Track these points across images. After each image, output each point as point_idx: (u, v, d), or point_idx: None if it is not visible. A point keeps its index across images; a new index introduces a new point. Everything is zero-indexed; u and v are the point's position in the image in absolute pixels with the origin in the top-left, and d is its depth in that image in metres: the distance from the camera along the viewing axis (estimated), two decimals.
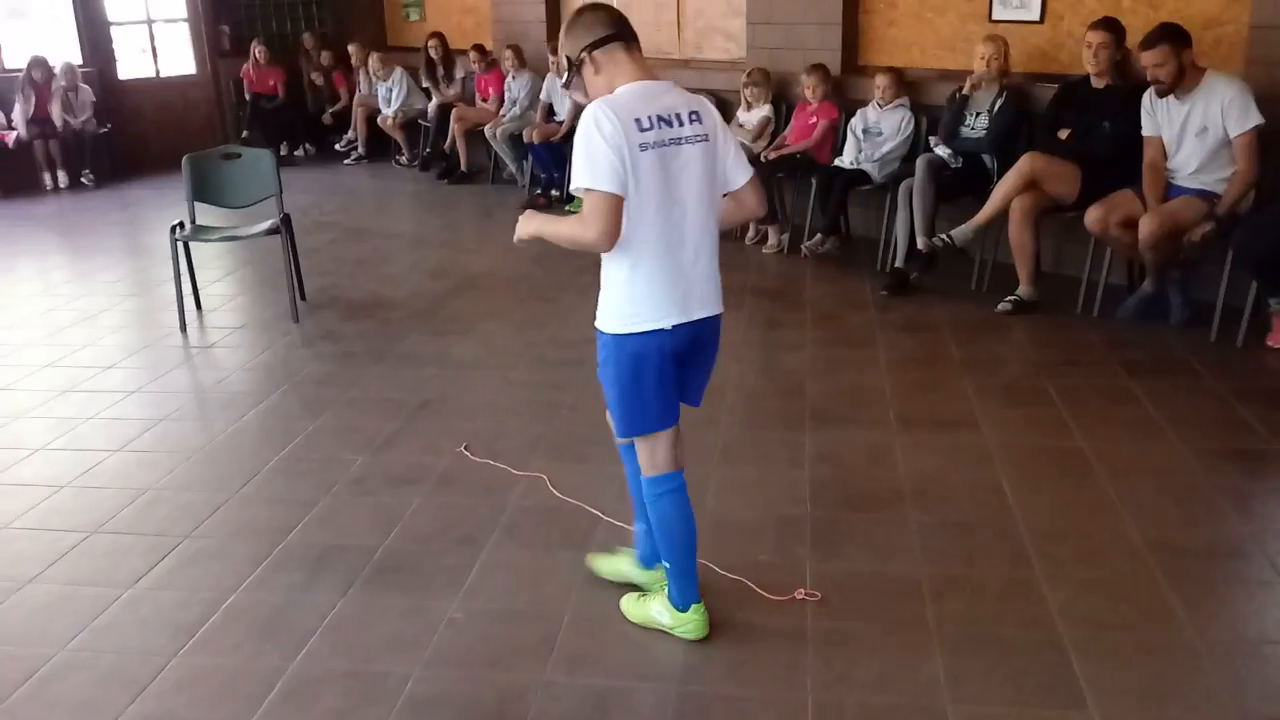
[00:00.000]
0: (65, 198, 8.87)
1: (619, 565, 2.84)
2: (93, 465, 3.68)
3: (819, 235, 5.95)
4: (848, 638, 2.56)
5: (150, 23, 10.13)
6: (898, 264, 5.46)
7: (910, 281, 5.37)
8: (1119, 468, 3.41)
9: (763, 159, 6.23)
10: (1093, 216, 4.62)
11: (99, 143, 9.27)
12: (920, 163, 5.37)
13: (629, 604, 2.69)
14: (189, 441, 3.90)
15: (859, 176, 5.89)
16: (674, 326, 2.40)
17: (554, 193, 7.88)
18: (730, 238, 6.55)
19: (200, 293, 5.56)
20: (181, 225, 5.26)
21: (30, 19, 9.71)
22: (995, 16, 5.74)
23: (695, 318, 2.43)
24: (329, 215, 7.65)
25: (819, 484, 3.36)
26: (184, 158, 5.42)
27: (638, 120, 2.27)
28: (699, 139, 2.35)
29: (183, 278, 5.26)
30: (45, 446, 3.86)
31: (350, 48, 10.11)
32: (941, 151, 5.46)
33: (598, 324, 2.49)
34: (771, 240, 6.28)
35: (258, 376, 4.60)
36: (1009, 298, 4.97)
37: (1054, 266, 5.41)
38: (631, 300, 2.40)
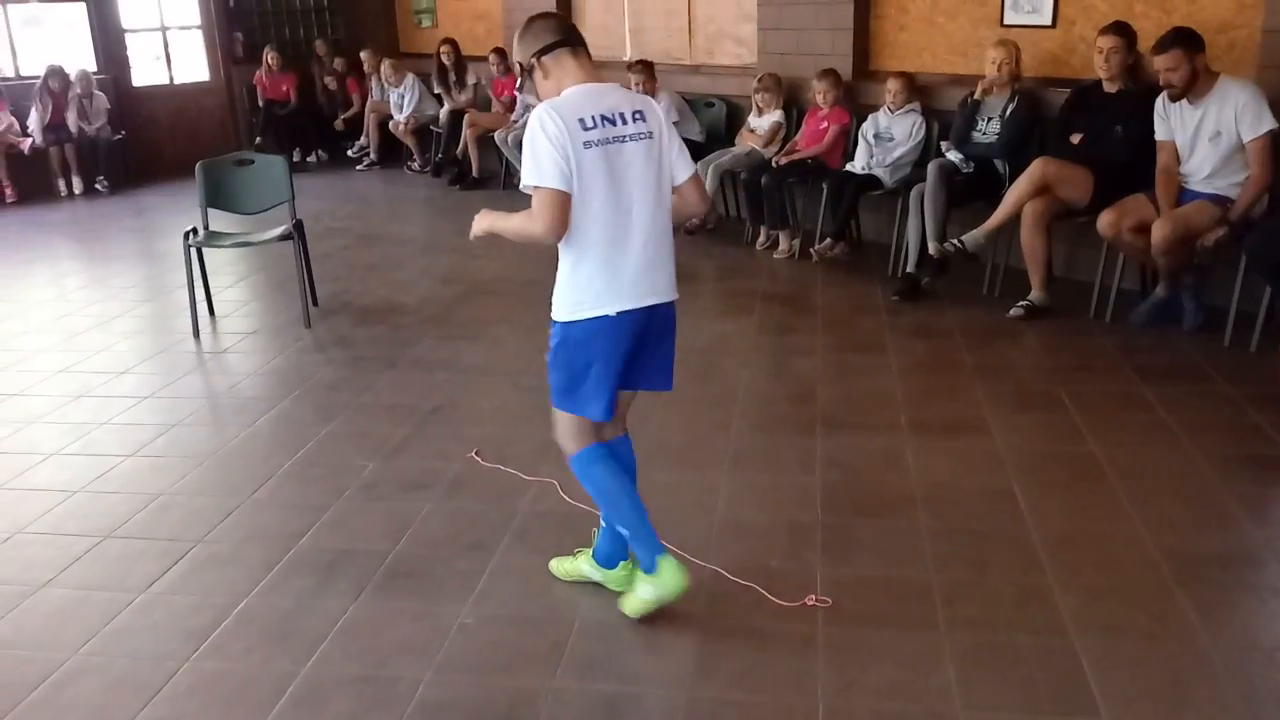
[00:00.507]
0: (80, 204, 8.94)
1: (578, 566, 2.87)
2: (106, 470, 3.70)
3: (828, 239, 5.94)
4: (859, 644, 2.55)
5: (164, 30, 10.22)
6: (909, 269, 5.44)
7: (922, 287, 5.36)
8: (1132, 474, 3.39)
9: (774, 164, 6.23)
10: (1105, 221, 4.61)
11: (113, 149, 9.34)
12: (931, 168, 5.36)
13: (630, 602, 2.69)
14: (201, 446, 3.91)
15: (870, 181, 5.88)
16: (619, 313, 2.49)
17: None
18: (740, 243, 6.56)
19: (213, 298, 5.59)
20: (195, 231, 5.30)
21: (46, 27, 9.79)
22: (1007, 21, 5.72)
23: (644, 304, 2.53)
24: (341, 221, 7.69)
25: (830, 489, 3.35)
26: (197, 164, 5.46)
27: (581, 120, 2.38)
28: (643, 136, 2.46)
29: (196, 283, 5.29)
30: (59, 451, 3.88)
31: (363, 54, 10.16)
32: (953, 156, 5.45)
33: (551, 313, 2.57)
34: (782, 246, 6.27)
35: (270, 382, 4.62)
36: (1021, 303, 4.95)
37: (1066, 271, 5.39)
38: (578, 289, 2.50)
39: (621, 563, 2.76)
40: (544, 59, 2.49)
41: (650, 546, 2.59)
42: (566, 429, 2.64)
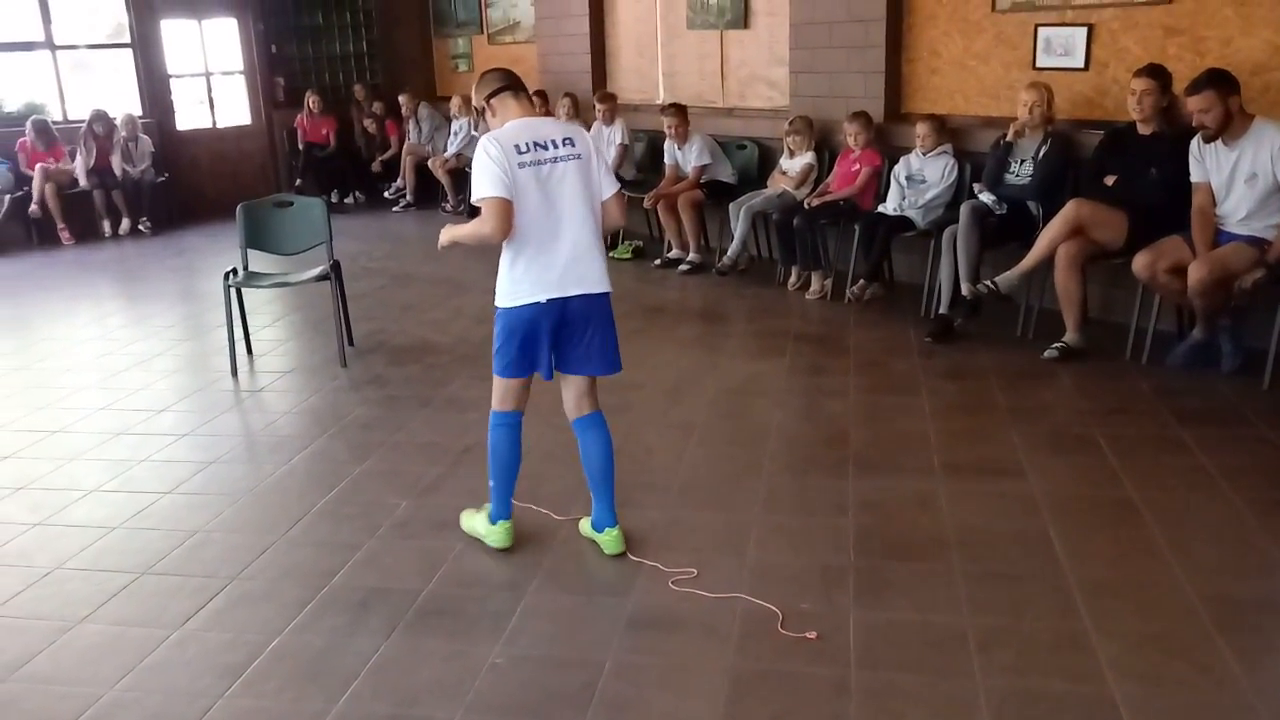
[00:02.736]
0: (124, 244, 9.14)
1: (585, 529, 3.36)
2: (144, 507, 3.75)
3: (862, 281, 5.95)
4: (892, 689, 2.52)
5: (208, 75, 10.49)
6: (942, 310, 5.43)
7: (955, 328, 5.34)
8: (1170, 518, 3.34)
9: (806, 205, 6.26)
10: (1141, 263, 4.58)
11: (157, 191, 9.57)
12: (964, 209, 5.36)
13: (464, 517, 3.41)
14: (238, 484, 3.96)
15: (902, 223, 5.89)
16: (549, 300, 3.04)
17: None
18: (772, 284, 6.57)
19: (251, 337, 5.68)
20: (235, 271, 5.40)
21: (93, 71, 10.09)
22: (1039, 64, 5.74)
23: (570, 294, 3.05)
24: (377, 261, 7.80)
25: (862, 532, 3.33)
26: (238, 206, 5.57)
27: (516, 146, 2.96)
28: (572, 158, 3.03)
29: (235, 323, 5.39)
30: (98, 488, 3.95)
31: (401, 98, 10.36)
32: (985, 198, 5.45)
33: (495, 301, 3.13)
34: (814, 286, 6.28)
35: (306, 420, 4.68)
36: (1056, 344, 4.92)
37: (1102, 313, 5.35)
38: (514, 281, 3.06)
39: (505, 523, 3.29)
40: (492, 100, 3.11)
41: (502, 508, 3.27)
42: (497, 392, 3.21)
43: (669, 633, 2.81)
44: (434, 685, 2.62)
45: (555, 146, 3.01)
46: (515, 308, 3.06)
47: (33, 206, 8.88)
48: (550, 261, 3.01)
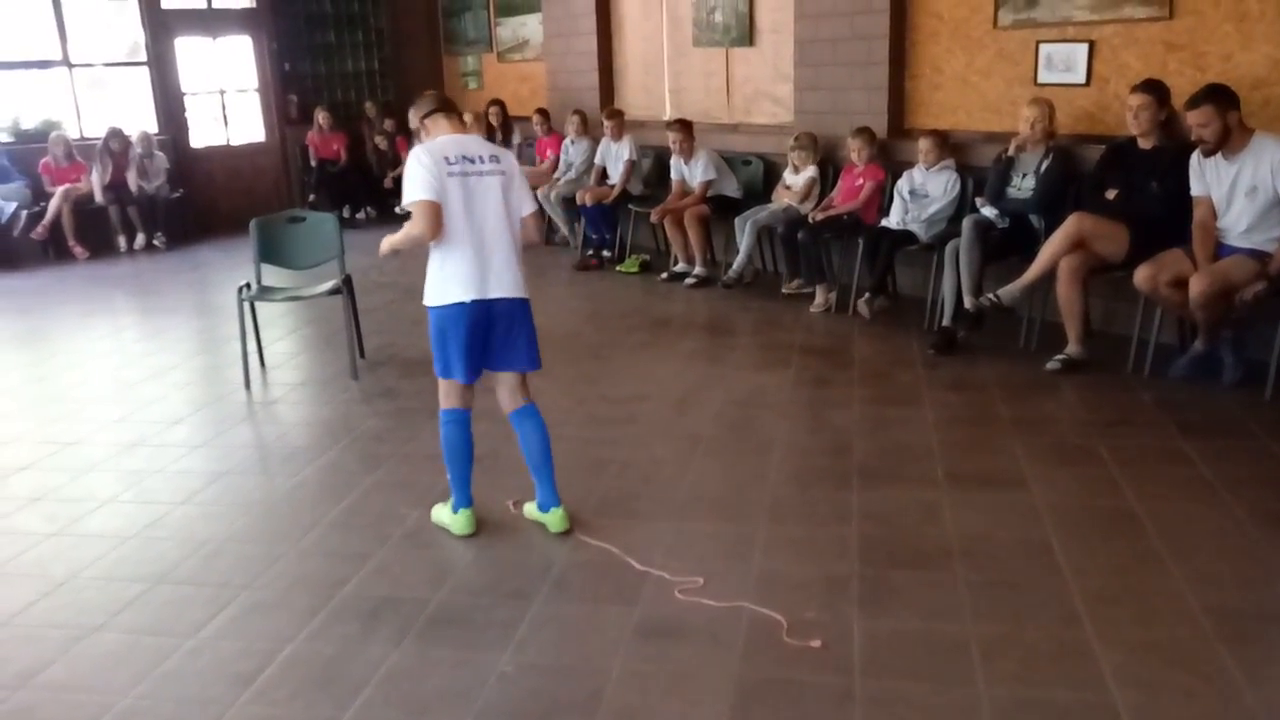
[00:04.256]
0: (139, 259, 9.24)
1: (529, 509, 3.63)
2: (159, 517, 3.80)
3: (868, 294, 5.99)
4: (896, 698, 2.55)
5: (222, 93, 10.61)
6: (945, 323, 5.46)
7: (958, 340, 5.37)
8: (1172, 529, 3.36)
9: (810, 220, 6.31)
10: (1142, 275, 4.61)
11: (172, 207, 9.67)
12: (967, 223, 5.41)
13: (435, 511, 3.65)
14: (251, 495, 4.02)
15: (905, 237, 5.93)
16: (472, 301, 3.30)
17: (605, 253, 8.03)
18: (777, 297, 6.62)
19: (264, 350, 5.74)
20: (248, 286, 5.47)
21: (109, 89, 10.21)
22: (1041, 80, 5.79)
23: (491, 296, 3.33)
24: (388, 276, 7.87)
25: (867, 541, 3.36)
26: (251, 221, 5.64)
27: (445, 158, 3.26)
28: (496, 173, 3.33)
29: (248, 336, 5.45)
30: (114, 499, 4.00)
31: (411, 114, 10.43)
32: (988, 212, 5.49)
33: (424, 301, 3.38)
34: (819, 299, 6.33)
35: (318, 432, 4.73)
36: (1058, 356, 4.95)
37: (1104, 325, 5.38)
38: (442, 282, 3.32)
39: (466, 511, 3.54)
40: (425, 121, 3.45)
41: (461, 498, 3.52)
42: (442, 391, 3.46)
43: (676, 642, 2.84)
44: (444, 693, 2.66)
45: (481, 161, 3.32)
46: (442, 306, 3.33)
47: (39, 229, 8.95)
48: (473, 264, 3.30)
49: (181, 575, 3.36)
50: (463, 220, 3.27)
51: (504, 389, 3.52)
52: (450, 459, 3.50)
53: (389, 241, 3.45)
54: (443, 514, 3.61)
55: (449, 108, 3.48)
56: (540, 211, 3.48)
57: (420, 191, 3.22)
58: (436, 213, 3.22)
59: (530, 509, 3.62)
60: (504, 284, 3.35)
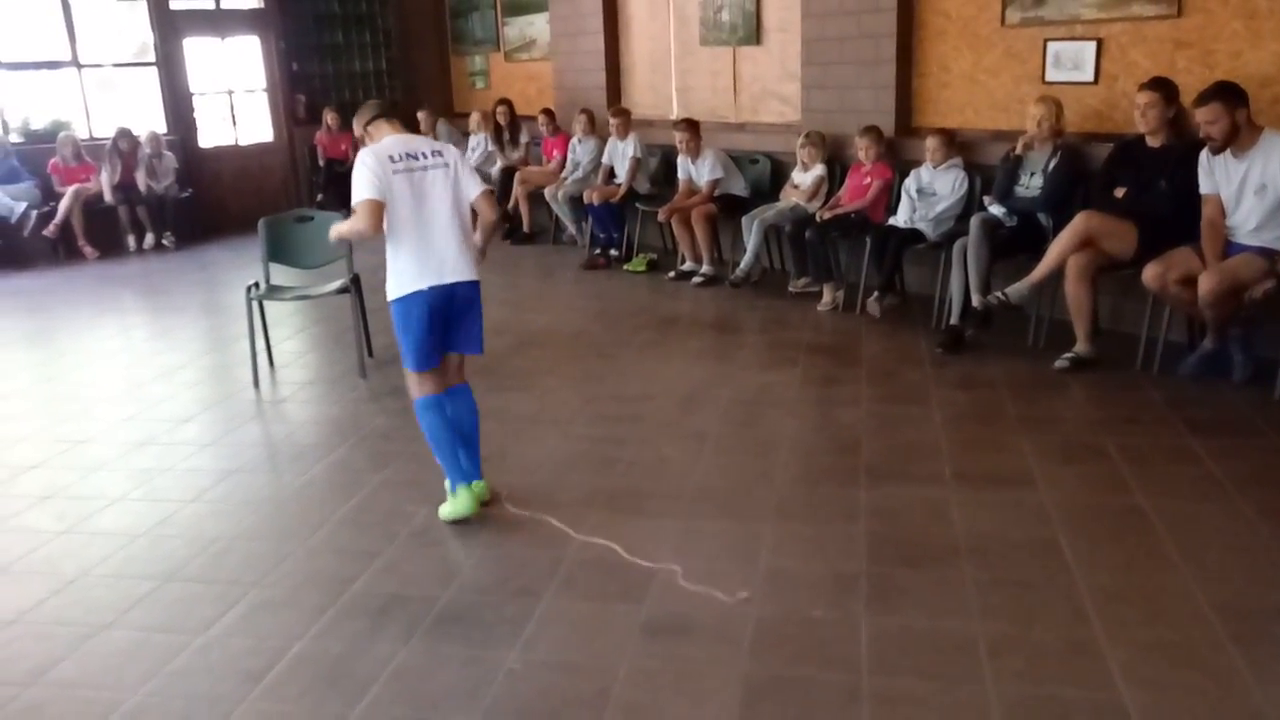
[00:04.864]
0: (148, 259, 9.27)
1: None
2: (168, 515, 3.82)
3: (877, 293, 5.99)
4: (903, 695, 2.55)
5: (230, 93, 10.64)
6: (953, 321, 5.46)
7: (966, 339, 5.37)
8: (1181, 527, 3.36)
9: (818, 218, 6.31)
10: (1151, 274, 4.60)
11: (180, 206, 9.70)
12: (974, 221, 5.40)
13: (442, 510, 3.69)
14: (260, 493, 4.03)
15: (913, 235, 5.93)
16: (430, 288, 3.49)
17: (613, 252, 8.03)
18: (784, 295, 6.62)
19: (273, 349, 5.76)
20: (256, 285, 5.49)
21: (118, 89, 10.25)
22: (1049, 78, 5.77)
23: (447, 281, 3.51)
24: None
25: (874, 540, 3.36)
26: (260, 221, 5.67)
27: (391, 157, 3.47)
28: (440, 166, 3.54)
29: (256, 335, 5.47)
30: (123, 497, 4.02)
31: (420, 114, 10.46)
32: (996, 210, 5.48)
33: (387, 297, 3.56)
34: (826, 298, 6.32)
35: (326, 430, 4.75)
36: (1066, 355, 4.94)
37: (1112, 323, 5.37)
38: (399, 273, 3.52)
39: (464, 486, 3.63)
40: (368, 127, 3.66)
41: (455, 477, 3.61)
42: (411, 382, 3.64)
43: (683, 639, 2.85)
44: (451, 691, 2.66)
45: (426, 157, 3.53)
46: (404, 297, 3.51)
47: (50, 227, 8.99)
48: (427, 253, 3.50)
49: (191, 573, 3.38)
50: (414, 213, 3.48)
51: (447, 368, 3.70)
52: (436, 443, 3.62)
53: (336, 230, 3.63)
54: (446, 507, 3.68)
55: (389, 113, 3.70)
56: (490, 189, 3.71)
57: (364, 191, 3.40)
58: (378, 211, 3.41)
59: (445, 510, 3.70)
60: (459, 269, 3.55)
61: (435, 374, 3.62)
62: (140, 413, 5.03)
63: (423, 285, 3.49)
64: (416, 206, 3.48)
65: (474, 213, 3.67)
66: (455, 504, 3.62)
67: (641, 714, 2.55)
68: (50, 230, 8.99)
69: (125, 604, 3.18)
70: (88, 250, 9.15)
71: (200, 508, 3.90)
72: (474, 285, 3.61)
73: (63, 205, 9.02)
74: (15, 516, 3.89)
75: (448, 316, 3.56)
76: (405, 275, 3.51)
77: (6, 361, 6.24)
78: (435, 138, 10.24)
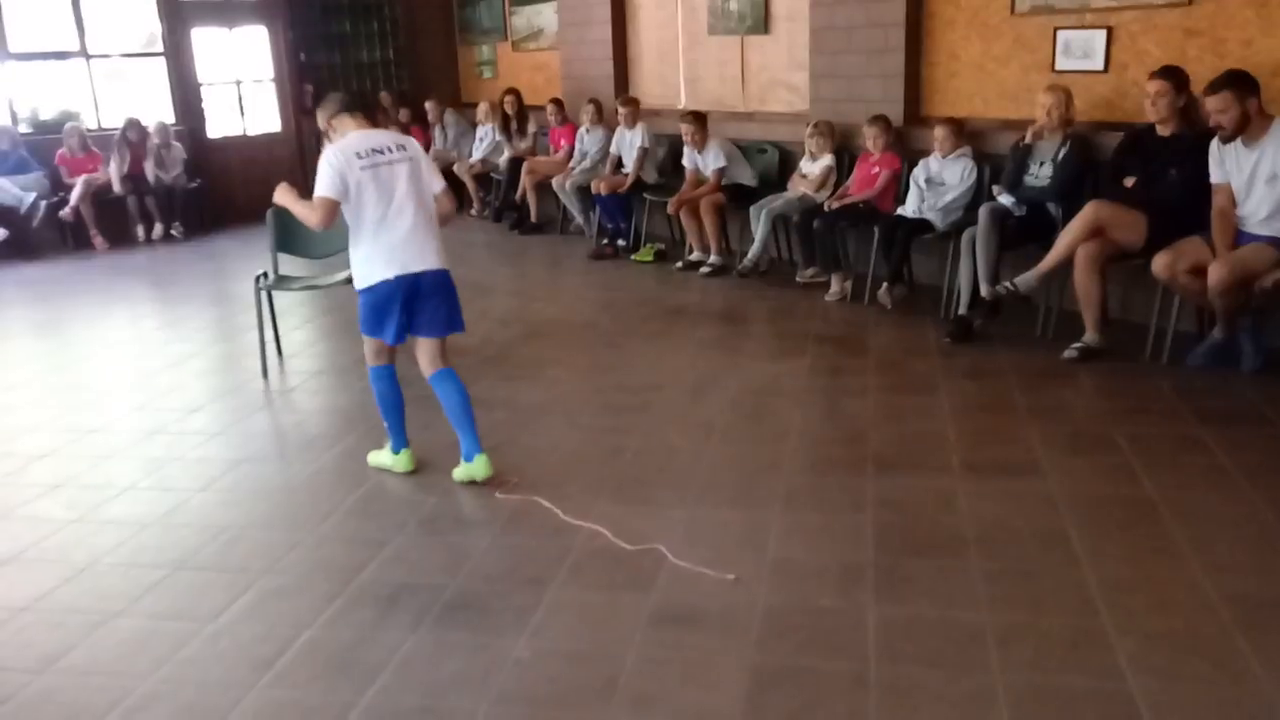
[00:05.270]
0: (157, 249, 9.30)
1: (379, 458, 4.07)
2: (178, 504, 3.84)
3: (885, 284, 5.97)
4: (911, 684, 2.56)
5: (238, 83, 10.64)
6: (961, 311, 5.45)
7: (974, 329, 5.35)
8: (1190, 517, 3.35)
9: (826, 208, 6.30)
10: (1160, 263, 4.58)
11: (189, 197, 9.72)
12: (983, 211, 5.38)
13: (371, 456, 4.06)
14: (269, 482, 4.05)
15: (922, 225, 5.91)
16: (396, 277, 3.64)
17: (620, 242, 8.03)
18: (792, 285, 6.61)
19: (281, 339, 5.78)
20: (265, 275, 5.50)
21: (127, 80, 10.27)
22: (1058, 67, 5.74)
23: (413, 271, 3.66)
24: None
25: (882, 530, 3.36)
26: (268, 211, 5.65)
27: (357, 153, 3.60)
28: (403, 160, 3.68)
29: (265, 325, 5.49)
30: (133, 486, 4.04)
31: (427, 104, 10.47)
32: (1005, 200, 5.46)
33: (355, 286, 3.77)
34: (834, 288, 6.31)
35: (335, 420, 4.76)
36: (1075, 345, 4.92)
37: (1121, 313, 5.35)
38: (366, 264, 3.68)
39: (406, 450, 3.99)
40: (333, 120, 3.74)
41: (399, 441, 3.96)
42: (368, 349, 3.88)
43: (691, 628, 2.86)
44: (460, 678, 2.68)
45: (390, 151, 3.65)
46: (371, 286, 3.68)
47: (66, 210, 9.04)
48: (393, 243, 3.62)
49: (201, 561, 3.40)
50: (381, 206, 3.61)
51: (424, 354, 3.84)
52: (385, 409, 3.91)
53: (286, 199, 3.75)
54: (382, 457, 4.00)
55: (354, 107, 3.76)
56: (448, 188, 3.89)
57: (324, 188, 3.55)
58: (333, 209, 3.56)
59: (459, 471, 3.87)
60: (427, 258, 3.69)
61: (391, 349, 3.85)
62: (150, 402, 5.05)
63: (389, 275, 3.64)
64: (383, 200, 3.61)
65: None
66: (396, 460, 3.96)
67: (649, 702, 2.55)
68: (65, 213, 9.02)
69: (136, 592, 3.20)
70: (98, 241, 9.17)
71: (210, 496, 3.91)
72: (442, 273, 3.74)
73: (76, 192, 9.04)
74: (26, 505, 3.91)
75: (417, 303, 3.71)
76: (373, 265, 3.65)
77: (17, 351, 6.27)
78: (443, 128, 10.28)
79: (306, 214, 3.59)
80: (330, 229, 3.67)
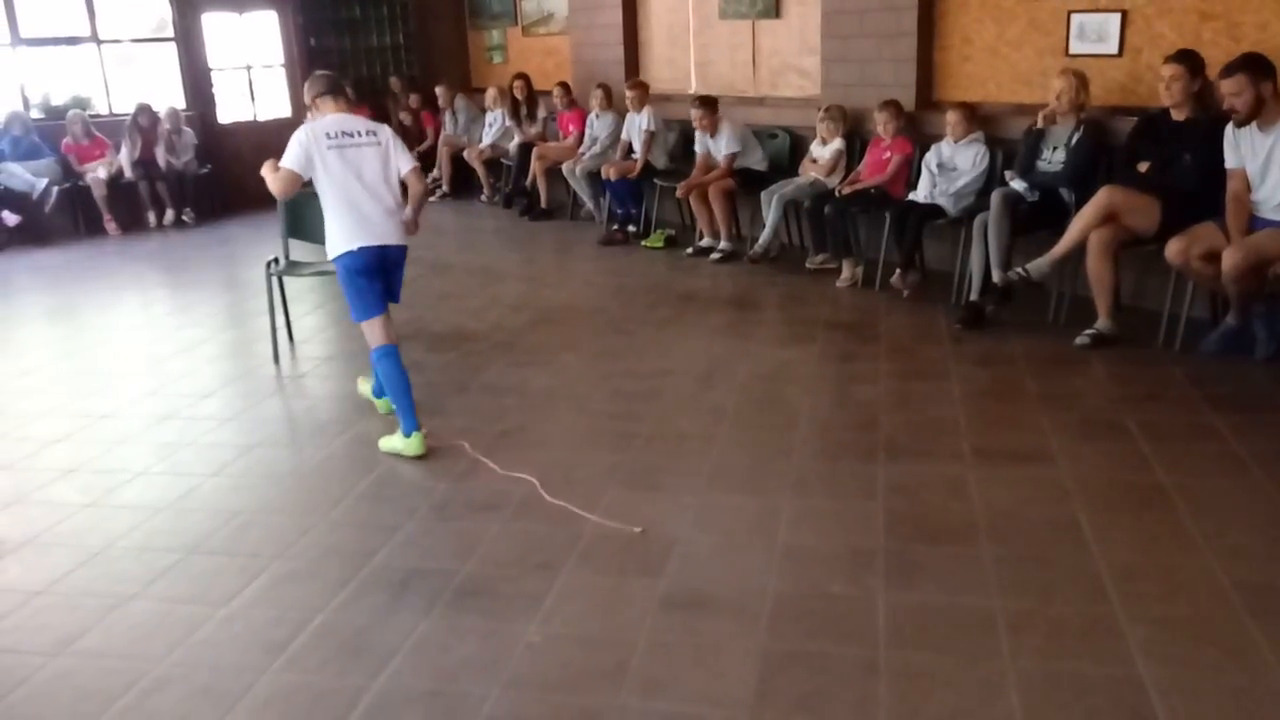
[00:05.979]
0: (168, 235, 9.32)
1: (363, 389, 4.64)
2: (191, 489, 3.86)
3: (899, 270, 5.95)
4: (922, 671, 2.56)
5: (249, 69, 10.64)
6: (973, 297, 5.42)
7: (986, 315, 5.33)
8: (1202, 504, 3.34)
9: (837, 193, 6.27)
10: (1174, 249, 4.55)
11: (200, 183, 9.74)
12: (995, 196, 5.35)
13: (383, 441, 4.11)
14: (281, 467, 4.07)
15: (933, 210, 5.88)
16: (360, 248, 3.92)
17: (630, 227, 8.01)
18: (803, 271, 6.59)
19: (292, 325, 5.79)
20: (276, 261, 5.51)
21: (138, 66, 10.27)
22: (1072, 50, 5.70)
23: (376, 244, 3.95)
24: (414, 251, 7.71)
25: (893, 516, 3.36)
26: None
27: (327, 134, 3.92)
28: (373, 144, 3.98)
29: (276, 311, 5.50)
30: (146, 471, 4.06)
31: (438, 89, 10.45)
32: (1017, 185, 5.43)
33: (327, 255, 4.06)
34: (845, 274, 6.29)
35: (346, 405, 4.77)
36: (1087, 331, 4.90)
37: (1134, 300, 5.32)
38: (335, 235, 3.97)
39: (384, 399, 4.32)
40: (316, 100, 4.05)
41: (409, 422, 4.00)
42: (368, 332, 4.04)
43: (701, 613, 2.86)
44: (471, 663, 2.69)
45: (360, 135, 3.96)
46: (339, 255, 3.96)
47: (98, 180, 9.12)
48: (358, 219, 3.92)
49: (214, 546, 3.42)
50: (345, 183, 3.91)
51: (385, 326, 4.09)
52: (393, 391, 4.01)
53: (265, 167, 4.01)
54: (394, 441, 4.05)
55: (336, 90, 4.08)
56: (418, 166, 4.15)
57: (288, 161, 3.88)
58: (294, 180, 3.90)
59: (386, 441, 4.09)
60: (389, 234, 3.98)
61: (386, 324, 4.03)
62: (162, 387, 5.07)
63: (354, 245, 3.92)
64: (348, 177, 3.91)
65: (404, 187, 4.08)
66: (408, 444, 4.00)
67: (660, 687, 2.56)
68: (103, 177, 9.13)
69: (149, 576, 3.23)
70: (110, 226, 9.20)
71: (222, 481, 3.94)
72: (402, 249, 4.06)
73: (98, 174, 9.09)
74: (41, 489, 3.94)
75: (384, 275, 4.03)
76: (340, 236, 3.94)
77: (30, 337, 6.30)
78: (454, 113, 10.28)
79: (271, 183, 3.92)
80: (285, 196, 4.06)
